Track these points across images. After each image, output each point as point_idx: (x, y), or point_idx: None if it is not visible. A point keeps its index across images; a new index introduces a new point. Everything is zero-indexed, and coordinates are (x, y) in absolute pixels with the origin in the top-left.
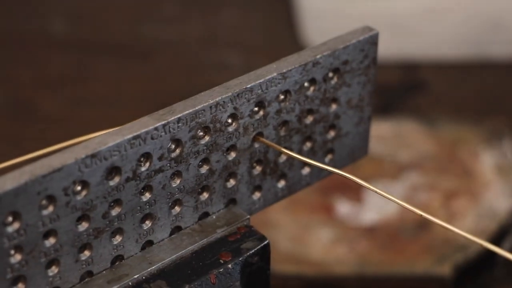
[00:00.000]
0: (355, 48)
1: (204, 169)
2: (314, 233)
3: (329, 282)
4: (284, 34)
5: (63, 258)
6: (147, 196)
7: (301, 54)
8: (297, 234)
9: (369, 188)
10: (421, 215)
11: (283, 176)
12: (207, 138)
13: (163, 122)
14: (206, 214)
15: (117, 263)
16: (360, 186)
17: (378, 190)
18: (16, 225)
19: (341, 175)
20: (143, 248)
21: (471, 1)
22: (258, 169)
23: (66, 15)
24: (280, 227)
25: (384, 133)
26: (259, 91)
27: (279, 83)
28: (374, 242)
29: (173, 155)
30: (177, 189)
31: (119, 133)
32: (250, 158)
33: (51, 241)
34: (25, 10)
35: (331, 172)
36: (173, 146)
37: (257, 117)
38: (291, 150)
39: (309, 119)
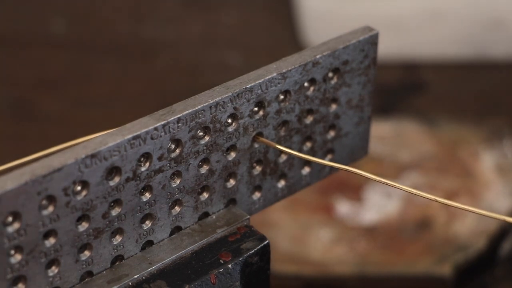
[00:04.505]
0: (355, 48)
1: (204, 169)
2: (314, 233)
3: (329, 282)
4: (284, 34)
5: (63, 258)
6: (147, 196)
7: (301, 54)
8: (297, 234)
9: (376, 180)
10: (436, 200)
11: (283, 176)
12: (207, 138)
13: (163, 122)
14: (206, 214)
15: (117, 263)
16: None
17: (387, 181)
18: (16, 225)
19: (347, 170)
20: (143, 248)
21: (471, 1)
22: (258, 169)
23: (66, 15)
24: (280, 227)
25: (384, 133)
26: (259, 91)
27: (279, 83)
28: (374, 242)
29: (173, 155)
30: (177, 189)
31: (119, 133)
32: (250, 158)
33: (51, 241)
34: (25, 10)
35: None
36: (173, 146)
37: (257, 117)
38: (291, 150)
39: (309, 119)
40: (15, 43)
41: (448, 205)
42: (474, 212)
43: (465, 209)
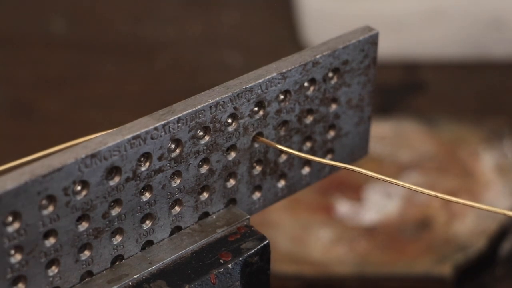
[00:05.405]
0: (355, 48)
1: (204, 169)
2: (314, 233)
3: (329, 282)
4: (284, 34)
5: (63, 258)
6: (147, 196)
7: (301, 54)
8: (297, 234)
9: (377, 177)
10: (436, 196)
11: (283, 176)
12: (207, 138)
13: (163, 122)
14: (206, 214)
15: (117, 263)
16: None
17: (388, 178)
18: (16, 225)
19: (347, 168)
20: (143, 248)
21: (471, 1)
22: (258, 169)
23: (66, 15)
24: (280, 227)
25: (384, 133)
26: (259, 91)
27: (279, 83)
28: (374, 242)
29: (173, 155)
30: (177, 189)
31: (119, 133)
32: (250, 158)
33: (51, 241)
34: (25, 10)
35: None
36: (173, 146)
37: (257, 117)
38: (291, 149)
39: (309, 119)
40: (15, 43)
41: (449, 201)
42: (474, 207)
43: (465, 204)
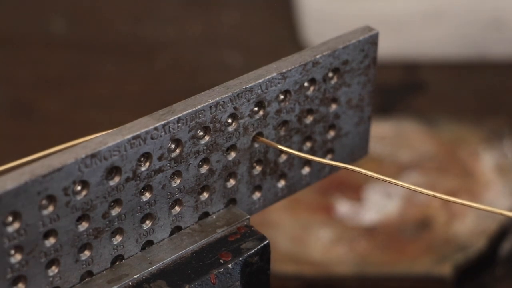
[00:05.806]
0: (355, 48)
1: (204, 169)
2: (314, 233)
3: (329, 282)
4: (284, 34)
5: (63, 258)
6: (147, 196)
7: (301, 54)
8: (297, 234)
9: (377, 178)
10: (435, 196)
11: (283, 176)
12: (207, 138)
13: (163, 122)
14: (206, 214)
15: (117, 263)
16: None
17: (387, 178)
18: (16, 225)
19: (347, 168)
20: (143, 248)
21: (471, 1)
22: (258, 169)
23: (66, 15)
24: (280, 227)
25: (384, 133)
26: (259, 91)
27: (279, 83)
28: (374, 242)
29: (173, 155)
30: (177, 189)
31: (119, 133)
32: (250, 158)
33: (51, 241)
34: (25, 10)
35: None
36: (173, 146)
37: (257, 117)
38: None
39: (309, 119)
40: (15, 43)
41: (448, 201)
42: (473, 207)
43: (464, 204)
